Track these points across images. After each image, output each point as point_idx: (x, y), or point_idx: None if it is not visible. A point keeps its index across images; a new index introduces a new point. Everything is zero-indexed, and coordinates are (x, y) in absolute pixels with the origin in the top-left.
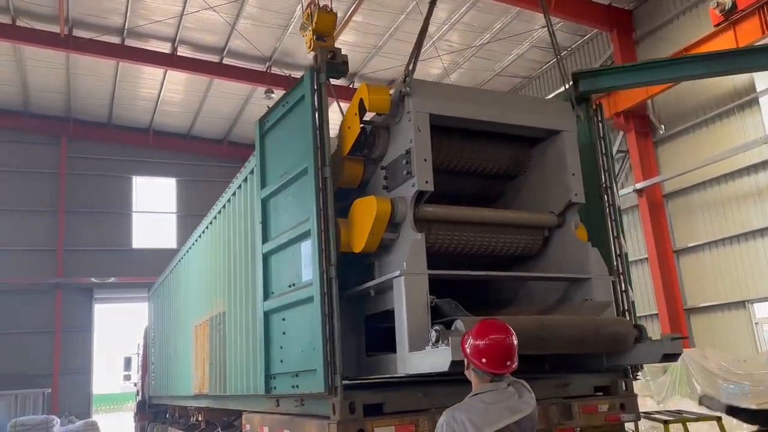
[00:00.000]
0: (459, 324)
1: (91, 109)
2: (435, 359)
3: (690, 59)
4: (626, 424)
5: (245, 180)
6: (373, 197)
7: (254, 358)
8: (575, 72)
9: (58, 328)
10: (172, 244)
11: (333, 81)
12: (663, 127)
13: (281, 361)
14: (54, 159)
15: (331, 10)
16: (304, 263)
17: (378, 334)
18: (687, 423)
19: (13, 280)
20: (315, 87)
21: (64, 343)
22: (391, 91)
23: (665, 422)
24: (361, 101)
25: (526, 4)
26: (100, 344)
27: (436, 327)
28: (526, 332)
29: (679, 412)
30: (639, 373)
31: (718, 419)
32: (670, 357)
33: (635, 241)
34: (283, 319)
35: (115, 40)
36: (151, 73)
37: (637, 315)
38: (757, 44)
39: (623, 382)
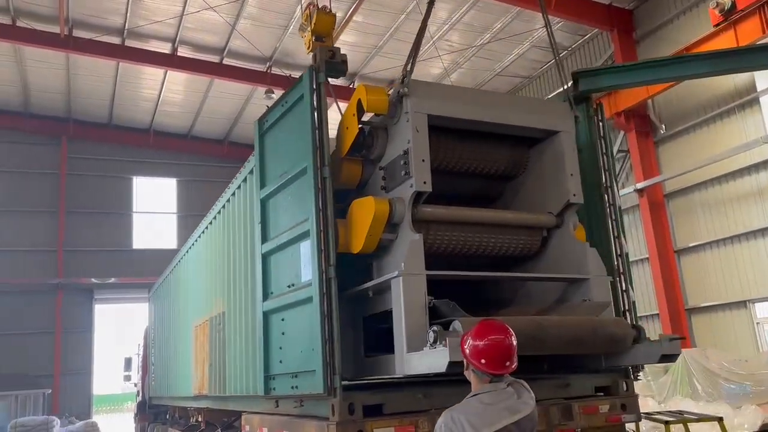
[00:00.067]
0: (457, 325)
1: (91, 109)
2: (433, 360)
3: (691, 58)
4: (627, 425)
5: (244, 180)
6: (371, 198)
7: (253, 359)
8: (575, 71)
9: (58, 328)
10: (172, 244)
11: (333, 81)
12: (664, 126)
13: (280, 362)
14: (54, 159)
15: (330, 11)
16: (303, 263)
17: (377, 335)
18: (688, 423)
19: (13, 281)
20: (314, 86)
21: (65, 344)
22: (390, 92)
23: (666, 423)
24: (359, 102)
25: (526, 3)
26: (101, 345)
27: (434, 328)
28: (523, 333)
29: (681, 412)
30: (640, 374)
31: (720, 420)
32: (669, 358)
33: (636, 241)
34: (283, 320)
35: (115, 40)
36: (152, 73)
37: (638, 315)
38: (758, 43)
39: (624, 383)
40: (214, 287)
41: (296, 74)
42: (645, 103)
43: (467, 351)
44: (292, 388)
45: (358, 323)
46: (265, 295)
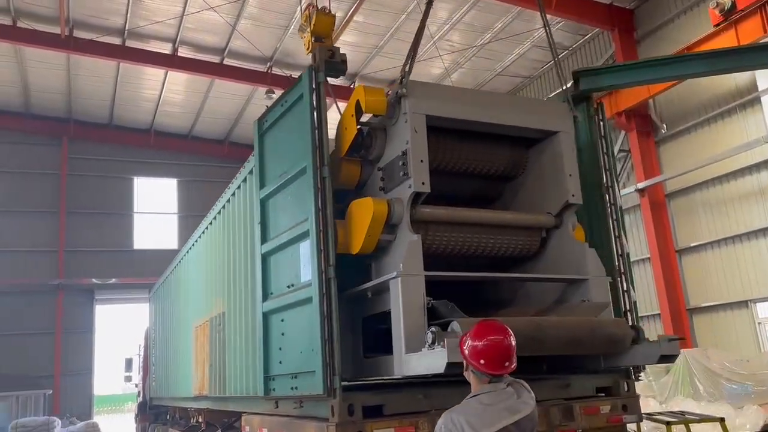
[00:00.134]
0: (455, 325)
1: (92, 109)
2: (431, 361)
3: (691, 57)
4: (628, 426)
5: (244, 180)
6: (369, 198)
7: (253, 360)
8: (576, 70)
9: (59, 329)
10: (173, 244)
11: (333, 81)
12: (665, 126)
13: (280, 363)
14: (55, 160)
15: (330, 11)
16: (303, 263)
17: (376, 336)
18: (690, 424)
19: (14, 281)
20: (313, 86)
21: (65, 345)
22: (388, 93)
23: (668, 423)
24: (358, 102)
25: (527, 3)
26: (101, 345)
27: (433, 328)
28: (522, 334)
29: (682, 412)
30: (641, 374)
31: (721, 420)
32: (668, 358)
33: (637, 241)
34: (282, 320)
35: (115, 41)
36: (152, 73)
37: (639, 315)
38: (759, 42)
39: (625, 383)
40: (214, 287)
41: (297, 74)
42: (646, 102)
43: (466, 351)
44: (292, 388)
45: (358, 324)
46: (265, 296)
